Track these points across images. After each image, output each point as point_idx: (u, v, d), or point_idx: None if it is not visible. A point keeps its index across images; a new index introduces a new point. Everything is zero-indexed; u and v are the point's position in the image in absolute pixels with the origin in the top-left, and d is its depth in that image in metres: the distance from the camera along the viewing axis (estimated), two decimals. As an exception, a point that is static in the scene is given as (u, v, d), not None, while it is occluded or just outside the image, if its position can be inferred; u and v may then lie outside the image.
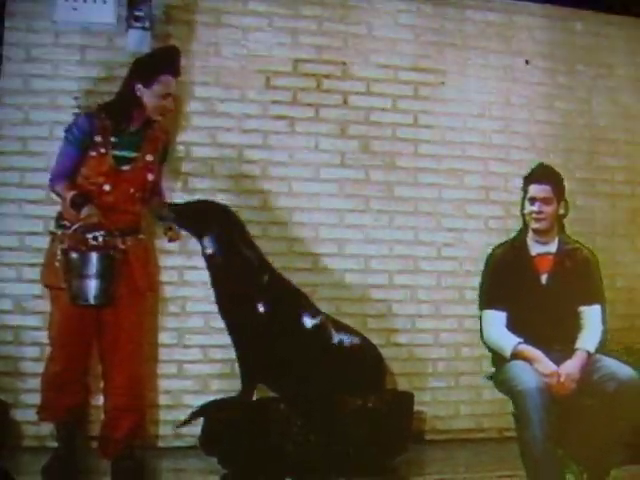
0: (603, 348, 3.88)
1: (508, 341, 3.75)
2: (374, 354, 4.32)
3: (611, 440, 3.64)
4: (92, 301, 3.70)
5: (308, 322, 4.17)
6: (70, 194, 3.78)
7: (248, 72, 4.70)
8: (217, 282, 4.17)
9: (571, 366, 3.68)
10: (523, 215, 3.97)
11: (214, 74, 4.66)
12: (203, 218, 4.15)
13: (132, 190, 3.91)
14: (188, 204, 4.21)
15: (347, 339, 4.22)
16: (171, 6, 4.62)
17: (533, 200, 3.88)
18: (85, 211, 3.73)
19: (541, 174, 3.93)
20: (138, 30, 4.49)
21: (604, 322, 3.91)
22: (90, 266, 3.67)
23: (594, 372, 3.69)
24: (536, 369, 3.63)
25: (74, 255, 3.66)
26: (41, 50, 4.47)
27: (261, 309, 4.08)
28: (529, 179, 3.95)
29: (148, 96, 3.87)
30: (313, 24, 4.80)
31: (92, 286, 3.68)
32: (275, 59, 4.74)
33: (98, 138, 3.84)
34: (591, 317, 3.91)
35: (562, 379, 3.63)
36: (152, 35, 4.54)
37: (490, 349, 3.92)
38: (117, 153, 3.88)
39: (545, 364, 3.65)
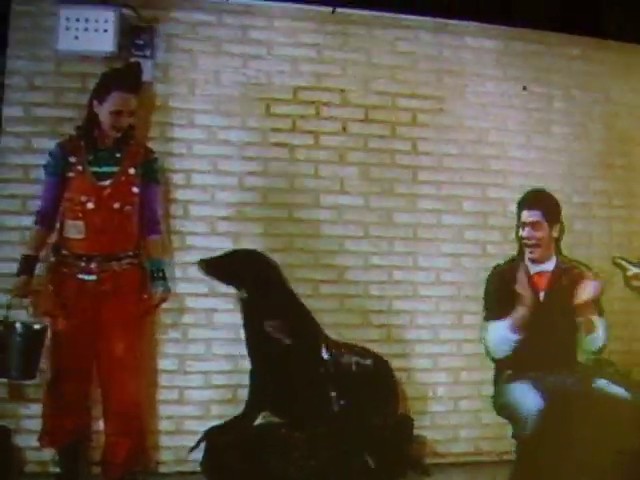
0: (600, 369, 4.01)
1: (504, 327, 3.86)
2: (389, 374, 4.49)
3: (605, 459, 3.69)
4: (14, 375, 3.86)
5: (324, 354, 4.29)
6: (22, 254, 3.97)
7: (248, 100, 4.73)
8: (249, 321, 4.29)
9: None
10: (518, 239, 4.11)
11: (215, 102, 4.69)
12: (238, 272, 4.27)
13: (117, 205, 3.95)
14: (221, 258, 4.29)
15: (363, 362, 4.38)
16: (172, 35, 4.65)
17: (523, 225, 4.03)
18: (20, 280, 3.93)
19: (531, 200, 4.08)
20: (139, 59, 4.50)
21: (605, 330, 3.97)
22: (13, 341, 3.77)
23: (588, 392, 3.77)
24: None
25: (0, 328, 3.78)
26: (43, 78, 4.51)
27: (285, 342, 4.19)
28: (520, 205, 4.11)
29: (102, 113, 3.98)
30: (312, 52, 4.84)
31: (14, 362, 3.79)
32: (275, 87, 4.77)
33: (73, 159, 3.96)
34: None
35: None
36: (153, 64, 4.59)
37: (497, 358, 4.01)
38: (96, 169, 3.96)
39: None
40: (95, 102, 4.00)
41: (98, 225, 3.91)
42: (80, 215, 3.91)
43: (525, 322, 3.84)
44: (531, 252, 4.00)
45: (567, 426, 3.69)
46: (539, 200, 4.06)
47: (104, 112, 3.97)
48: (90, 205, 3.91)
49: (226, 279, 4.31)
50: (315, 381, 4.20)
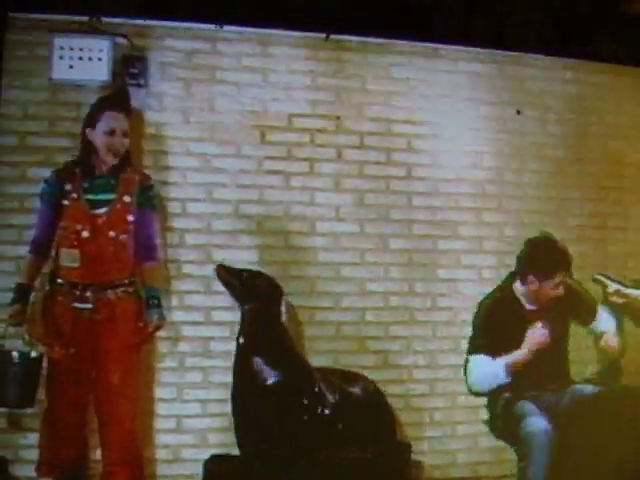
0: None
1: (496, 368, 3.88)
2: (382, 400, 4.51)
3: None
4: (11, 404, 3.84)
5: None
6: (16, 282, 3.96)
7: (243, 127, 4.73)
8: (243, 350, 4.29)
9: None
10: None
11: (209, 130, 4.69)
12: (255, 287, 4.33)
13: (113, 234, 3.95)
14: (243, 270, 4.38)
15: (354, 390, 4.41)
16: (166, 63, 4.65)
17: (558, 285, 4.01)
18: (13, 309, 3.91)
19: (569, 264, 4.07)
20: (133, 87, 4.52)
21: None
22: (10, 370, 3.76)
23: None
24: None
25: None
26: (37, 107, 4.51)
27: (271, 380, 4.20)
28: (557, 265, 4.04)
29: (95, 137, 3.99)
30: (307, 79, 4.84)
31: (11, 391, 3.76)
32: (270, 114, 4.77)
33: (68, 186, 3.96)
34: (602, 319, 4.11)
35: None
36: (147, 92, 4.60)
37: (479, 392, 4.07)
38: (91, 197, 3.96)
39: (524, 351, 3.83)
40: (88, 130, 4.02)
41: (93, 254, 3.91)
42: (75, 243, 3.91)
43: (522, 367, 3.85)
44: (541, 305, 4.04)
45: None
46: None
47: (98, 135, 3.98)
48: (85, 234, 3.91)
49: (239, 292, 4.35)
50: (308, 414, 4.22)
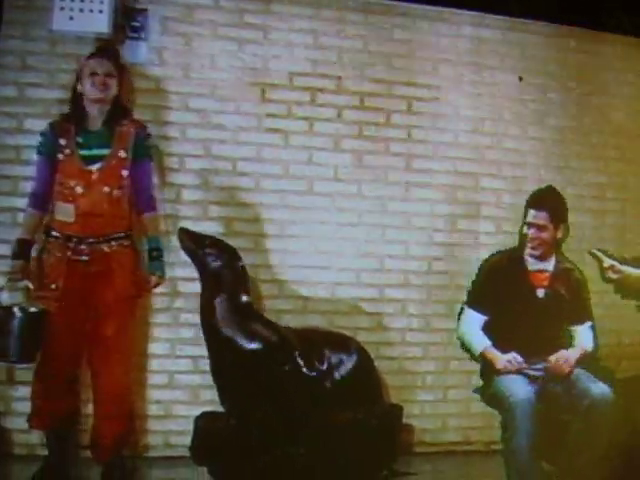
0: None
1: (481, 341, 3.99)
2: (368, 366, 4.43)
3: (589, 454, 3.75)
4: (12, 359, 3.80)
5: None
6: (17, 237, 3.96)
7: (243, 85, 4.71)
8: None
9: (568, 352, 3.90)
10: (520, 234, 4.15)
11: (209, 86, 4.66)
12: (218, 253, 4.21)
13: (107, 189, 3.93)
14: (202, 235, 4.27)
15: (339, 359, 4.30)
16: (167, 17, 4.62)
17: (529, 225, 4.03)
18: (16, 264, 3.90)
19: (539, 200, 4.09)
20: (134, 40, 4.51)
21: (595, 338, 4.11)
22: (12, 324, 3.73)
23: (571, 387, 3.81)
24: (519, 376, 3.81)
25: None
26: (37, 58, 4.47)
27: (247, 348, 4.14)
28: (529, 203, 4.11)
29: (83, 85, 3.99)
30: (309, 38, 4.81)
31: (13, 344, 3.74)
32: (270, 72, 4.75)
33: (62, 141, 3.94)
34: (584, 332, 4.10)
35: (559, 361, 3.85)
36: (148, 46, 4.56)
37: (463, 347, 4.17)
38: (86, 153, 3.94)
39: (501, 358, 3.88)
40: (78, 85, 4.02)
41: (87, 209, 3.89)
42: (70, 199, 3.89)
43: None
44: (533, 249, 4.02)
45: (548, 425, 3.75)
46: (547, 201, 4.07)
47: (84, 83, 3.98)
48: (79, 189, 3.89)
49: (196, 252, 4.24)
50: (290, 379, 4.18)
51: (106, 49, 4.26)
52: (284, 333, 4.27)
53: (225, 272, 4.17)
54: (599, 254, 3.91)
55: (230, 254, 4.22)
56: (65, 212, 3.90)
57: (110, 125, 4.00)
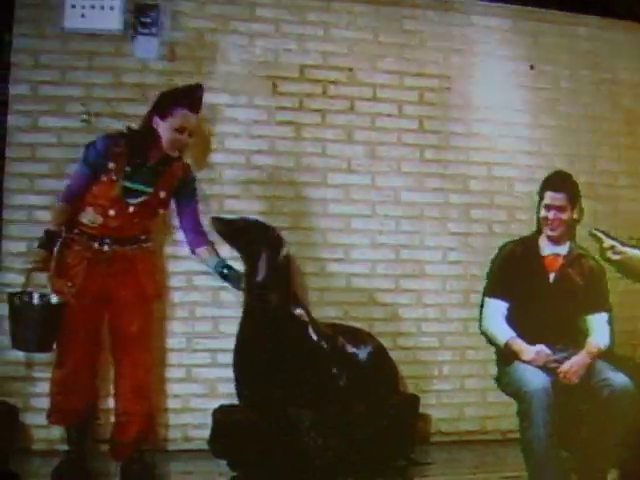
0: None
1: (504, 333, 3.93)
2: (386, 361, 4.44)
3: (607, 443, 3.73)
4: (31, 348, 3.83)
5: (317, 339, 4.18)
6: (47, 227, 3.89)
7: (255, 78, 4.72)
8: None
9: (577, 359, 3.81)
10: (538, 219, 4.11)
11: (221, 80, 4.68)
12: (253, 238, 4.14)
13: (137, 220, 3.95)
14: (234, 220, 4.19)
15: (358, 350, 4.30)
16: (178, 12, 4.63)
17: (548, 207, 4.02)
18: (38, 253, 3.85)
19: (558, 182, 4.06)
20: (145, 36, 4.52)
21: (612, 328, 4.03)
22: (31, 314, 3.74)
23: (591, 377, 3.79)
24: (536, 366, 3.76)
25: (17, 301, 3.74)
26: (49, 56, 4.49)
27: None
28: (546, 186, 4.08)
29: (163, 129, 3.89)
30: (320, 30, 4.83)
31: (31, 334, 3.75)
32: (282, 65, 4.76)
33: (111, 164, 3.87)
34: (600, 322, 4.03)
35: (567, 369, 3.77)
36: (159, 41, 4.57)
37: (489, 340, 4.08)
38: (129, 184, 3.90)
39: (529, 350, 3.81)
40: (156, 118, 3.90)
41: (114, 225, 3.90)
42: (100, 211, 3.88)
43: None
44: (552, 230, 4.01)
45: (566, 413, 3.72)
46: (565, 182, 4.06)
47: (166, 129, 3.88)
48: (112, 212, 3.87)
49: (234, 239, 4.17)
50: (312, 362, 4.12)
51: (198, 98, 4.01)
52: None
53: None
54: (599, 234, 3.84)
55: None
56: (92, 218, 3.88)
57: (162, 163, 3.97)
